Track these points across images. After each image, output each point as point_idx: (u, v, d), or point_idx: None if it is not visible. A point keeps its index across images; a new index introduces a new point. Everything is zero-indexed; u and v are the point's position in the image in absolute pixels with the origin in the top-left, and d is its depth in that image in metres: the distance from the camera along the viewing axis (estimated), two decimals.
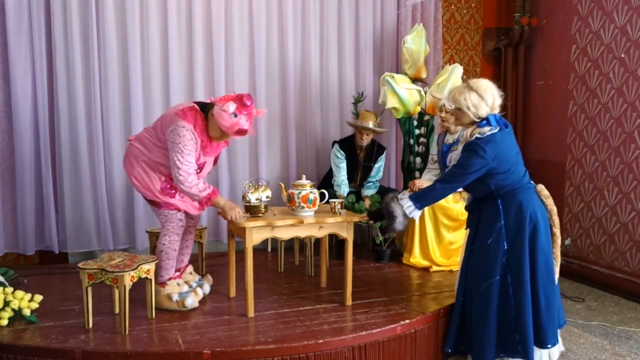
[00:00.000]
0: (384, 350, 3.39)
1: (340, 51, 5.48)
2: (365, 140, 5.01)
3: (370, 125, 4.96)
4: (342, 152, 5.05)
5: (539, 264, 3.33)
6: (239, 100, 3.39)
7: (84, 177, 4.75)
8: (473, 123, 3.26)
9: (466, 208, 3.63)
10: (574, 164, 5.55)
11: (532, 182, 3.44)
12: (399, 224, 3.42)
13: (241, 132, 3.43)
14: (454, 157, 3.49)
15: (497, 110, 3.28)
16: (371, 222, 4.57)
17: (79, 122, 4.71)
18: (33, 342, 3.16)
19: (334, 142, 5.13)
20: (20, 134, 4.58)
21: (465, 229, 3.62)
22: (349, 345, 3.28)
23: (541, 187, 3.46)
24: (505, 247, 3.30)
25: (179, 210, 3.68)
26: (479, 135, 3.21)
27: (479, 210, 3.43)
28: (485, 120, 3.23)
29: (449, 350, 3.56)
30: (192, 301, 3.66)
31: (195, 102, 3.64)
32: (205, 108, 3.55)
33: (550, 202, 3.46)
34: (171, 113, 3.57)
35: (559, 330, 3.54)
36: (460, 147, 3.41)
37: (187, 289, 3.76)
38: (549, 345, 3.37)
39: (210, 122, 3.50)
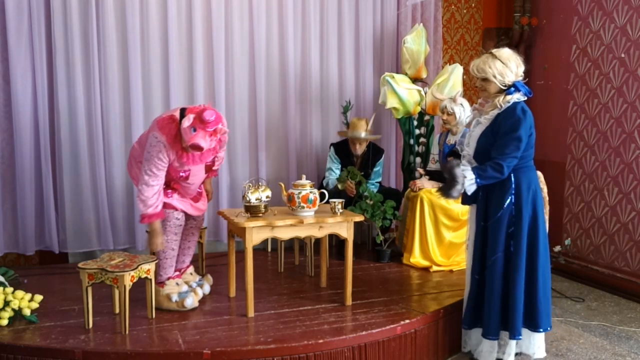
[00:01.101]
0: (384, 350, 3.39)
1: (340, 51, 5.48)
2: (360, 149, 4.96)
3: (362, 134, 4.89)
4: (337, 157, 5.03)
5: (540, 245, 3.32)
6: (199, 115, 3.31)
7: (84, 177, 4.75)
8: (500, 92, 3.28)
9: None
10: (574, 164, 5.55)
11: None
12: (456, 191, 3.25)
13: (195, 147, 3.33)
14: (474, 133, 3.38)
15: (520, 78, 3.31)
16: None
17: (79, 122, 4.71)
18: (33, 342, 3.16)
19: (331, 145, 5.13)
20: (20, 134, 4.58)
21: (464, 203, 3.54)
22: (349, 345, 3.28)
23: (540, 174, 3.53)
24: (514, 221, 3.29)
25: (176, 209, 3.68)
26: (517, 100, 3.23)
27: (488, 184, 3.32)
28: (513, 87, 3.25)
29: (465, 327, 3.57)
30: (191, 301, 3.66)
31: (182, 108, 3.58)
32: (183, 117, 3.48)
33: (545, 190, 3.52)
34: (155, 121, 3.59)
35: None
36: (482, 120, 3.34)
37: (186, 289, 3.76)
38: (541, 330, 3.40)
39: (181, 132, 3.43)
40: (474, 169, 3.25)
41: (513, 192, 3.28)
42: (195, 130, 3.30)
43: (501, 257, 3.31)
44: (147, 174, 3.46)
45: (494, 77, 3.25)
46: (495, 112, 3.30)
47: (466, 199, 3.46)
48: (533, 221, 3.31)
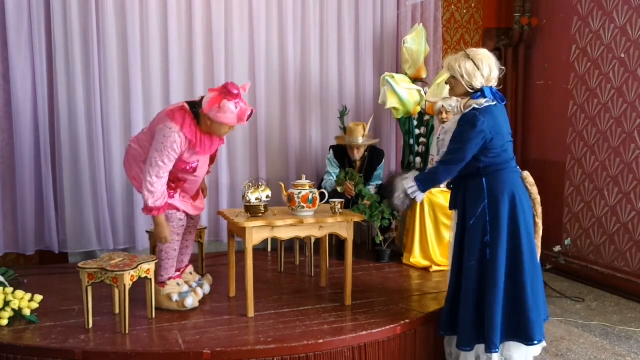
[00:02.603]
0: (384, 350, 3.39)
1: (340, 51, 5.48)
2: (358, 154, 4.93)
3: (360, 140, 4.85)
4: (336, 161, 5.03)
5: (524, 253, 3.14)
6: (228, 93, 3.37)
7: (84, 177, 4.75)
8: (467, 94, 3.16)
9: (449, 186, 3.50)
10: (574, 164, 5.55)
11: (518, 168, 3.31)
12: (398, 200, 3.30)
13: (249, 116, 3.46)
14: (447, 139, 3.30)
15: (493, 83, 3.15)
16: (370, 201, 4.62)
17: (79, 122, 4.71)
18: (33, 342, 3.16)
19: (330, 148, 5.13)
20: (20, 134, 4.58)
21: (451, 209, 3.46)
22: (349, 345, 3.28)
23: (527, 174, 3.30)
24: (488, 229, 3.14)
25: (178, 210, 3.68)
26: (476, 106, 3.09)
27: (464, 189, 3.26)
28: (480, 92, 3.10)
29: (442, 333, 3.40)
30: (192, 301, 3.66)
31: (186, 102, 3.62)
32: (194, 108, 3.53)
33: (534, 190, 3.29)
34: (162, 114, 3.58)
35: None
36: (451, 126, 3.28)
37: (187, 289, 3.76)
38: (536, 342, 3.17)
39: (203, 123, 3.48)
40: (416, 177, 3.31)
41: (486, 198, 3.14)
42: (236, 107, 3.38)
43: (475, 266, 3.16)
44: (159, 165, 3.42)
45: (462, 77, 3.11)
46: (458, 117, 3.21)
47: (452, 203, 3.40)
48: (512, 227, 3.14)
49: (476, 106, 3.09)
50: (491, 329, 3.11)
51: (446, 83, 3.29)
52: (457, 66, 3.12)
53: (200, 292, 3.81)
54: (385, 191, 3.49)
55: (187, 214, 3.78)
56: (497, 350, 3.14)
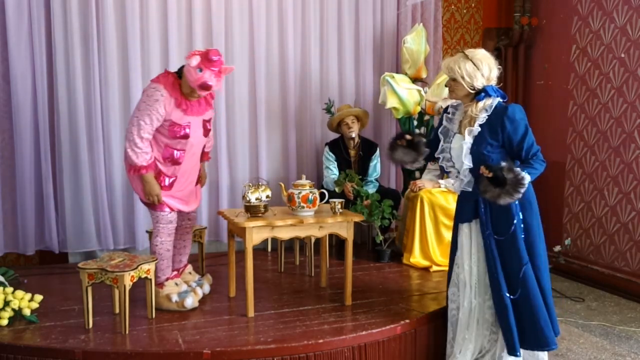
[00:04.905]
0: (384, 350, 3.39)
1: (340, 51, 5.48)
2: (353, 129, 4.97)
3: (349, 110, 4.99)
4: (331, 154, 5.05)
5: (543, 250, 3.23)
6: (205, 55, 3.41)
7: (84, 177, 4.75)
8: (468, 95, 3.14)
9: (467, 195, 3.24)
10: (574, 164, 5.55)
11: None
12: (509, 197, 3.01)
13: (205, 86, 3.42)
14: (463, 148, 3.17)
15: (493, 82, 3.14)
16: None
17: (79, 122, 4.71)
18: (33, 342, 3.16)
19: (326, 144, 5.14)
20: (20, 134, 4.58)
21: (465, 221, 3.28)
22: (349, 345, 3.28)
23: None
24: (523, 232, 3.14)
25: (171, 209, 3.67)
26: (500, 101, 3.08)
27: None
28: (483, 93, 3.09)
29: (518, 354, 3.17)
30: (191, 301, 3.66)
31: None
32: (179, 71, 3.59)
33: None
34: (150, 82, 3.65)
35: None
36: (451, 139, 3.21)
37: (186, 288, 3.76)
38: (557, 334, 3.22)
39: (183, 79, 3.53)
40: (524, 169, 3.03)
41: (518, 200, 3.06)
42: (202, 70, 3.39)
43: (528, 268, 3.12)
44: (140, 124, 3.46)
45: (462, 78, 3.09)
46: (482, 118, 3.11)
47: (468, 214, 3.25)
48: (538, 222, 3.21)
49: (500, 100, 3.11)
50: (552, 323, 3.18)
51: (446, 85, 3.25)
52: (456, 68, 3.10)
53: (199, 292, 3.80)
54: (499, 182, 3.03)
55: (180, 212, 3.78)
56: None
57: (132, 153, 3.48)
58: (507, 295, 3.17)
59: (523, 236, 3.15)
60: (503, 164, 3.00)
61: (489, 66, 3.11)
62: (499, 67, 3.19)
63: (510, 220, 3.12)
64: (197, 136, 3.67)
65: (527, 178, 2.99)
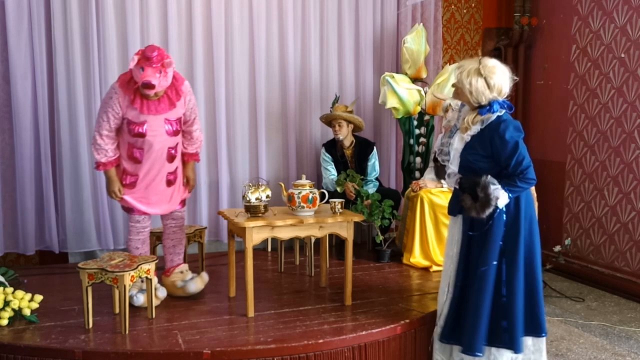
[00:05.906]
0: (384, 350, 3.39)
1: (340, 51, 5.48)
2: (340, 132, 4.95)
3: (338, 113, 4.93)
4: (328, 154, 5.05)
5: (536, 250, 3.21)
6: (142, 53, 3.43)
7: (84, 177, 4.75)
8: (471, 103, 3.14)
9: (458, 191, 3.27)
10: (574, 164, 5.55)
11: None
12: (487, 212, 3.06)
13: (146, 84, 3.39)
14: (456, 142, 3.21)
15: (504, 96, 3.12)
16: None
17: (79, 122, 4.71)
18: (33, 342, 3.16)
19: (322, 145, 5.14)
20: (20, 134, 4.58)
21: (452, 214, 3.34)
22: (349, 345, 3.28)
23: None
24: (504, 231, 3.14)
25: (141, 213, 3.72)
26: (499, 115, 3.07)
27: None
28: (488, 106, 3.08)
29: (444, 340, 3.30)
30: (142, 300, 3.62)
31: None
32: None
33: (533, 189, 3.37)
34: None
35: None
36: (453, 135, 3.23)
37: (157, 288, 3.67)
38: (544, 334, 3.23)
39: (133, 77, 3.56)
40: (503, 187, 3.08)
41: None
42: (143, 69, 3.40)
43: (494, 267, 3.12)
44: (99, 122, 3.59)
45: (470, 93, 3.08)
46: (478, 126, 3.13)
47: (455, 209, 3.29)
48: (529, 225, 3.18)
49: (499, 115, 3.08)
50: (515, 327, 3.12)
51: (453, 86, 3.26)
52: (467, 82, 3.07)
53: (163, 295, 3.75)
54: (476, 197, 3.09)
55: (146, 214, 3.76)
56: (522, 351, 3.18)
57: (93, 149, 3.64)
58: (458, 285, 3.25)
59: (504, 231, 3.13)
60: (481, 179, 3.05)
61: (501, 85, 3.07)
62: (516, 78, 3.16)
63: (490, 215, 3.10)
64: (156, 135, 3.61)
65: (502, 198, 3.04)
